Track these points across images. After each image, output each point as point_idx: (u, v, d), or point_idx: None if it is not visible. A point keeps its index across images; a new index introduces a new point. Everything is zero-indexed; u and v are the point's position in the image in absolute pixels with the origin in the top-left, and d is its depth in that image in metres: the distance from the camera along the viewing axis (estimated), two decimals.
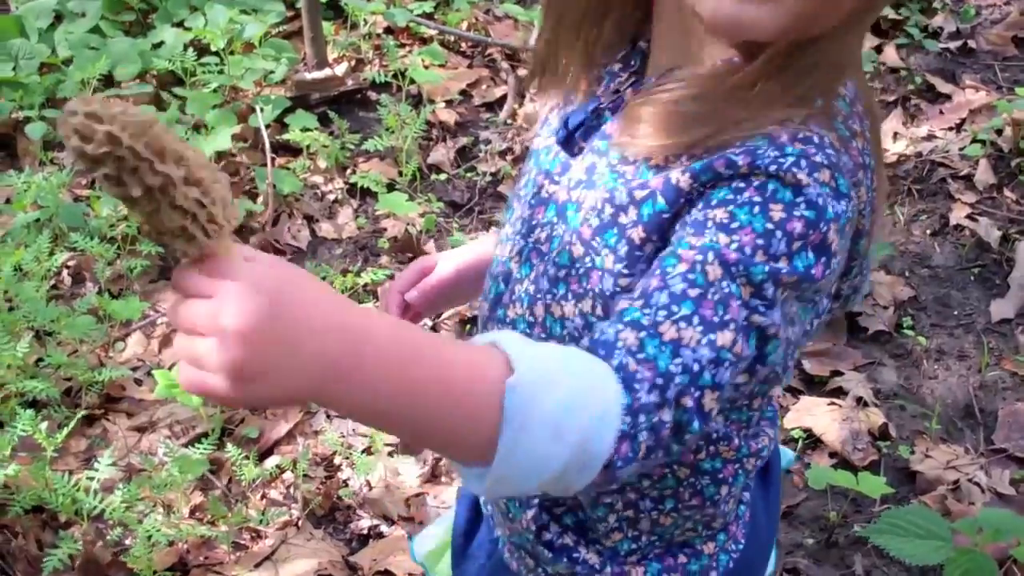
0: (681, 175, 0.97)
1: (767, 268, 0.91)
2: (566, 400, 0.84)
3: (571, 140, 1.13)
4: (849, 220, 0.96)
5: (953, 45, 3.82)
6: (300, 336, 0.79)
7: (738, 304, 0.90)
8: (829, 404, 2.65)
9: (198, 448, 2.37)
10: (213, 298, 0.77)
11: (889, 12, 3.86)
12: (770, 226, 0.92)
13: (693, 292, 0.90)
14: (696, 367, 0.89)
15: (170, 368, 2.41)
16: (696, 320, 0.89)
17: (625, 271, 1.02)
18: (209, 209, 0.77)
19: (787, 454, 1.56)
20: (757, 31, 0.97)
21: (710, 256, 0.91)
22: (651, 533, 1.20)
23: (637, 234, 1.01)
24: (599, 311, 1.06)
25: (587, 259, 1.06)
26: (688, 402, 0.89)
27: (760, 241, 0.91)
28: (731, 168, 0.94)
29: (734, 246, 0.91)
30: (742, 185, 0.94)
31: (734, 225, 0.92)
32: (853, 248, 1.02)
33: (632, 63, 1.14)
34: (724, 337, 0.90)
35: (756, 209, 0.92)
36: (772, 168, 0.93)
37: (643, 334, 0.89)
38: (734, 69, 1.00)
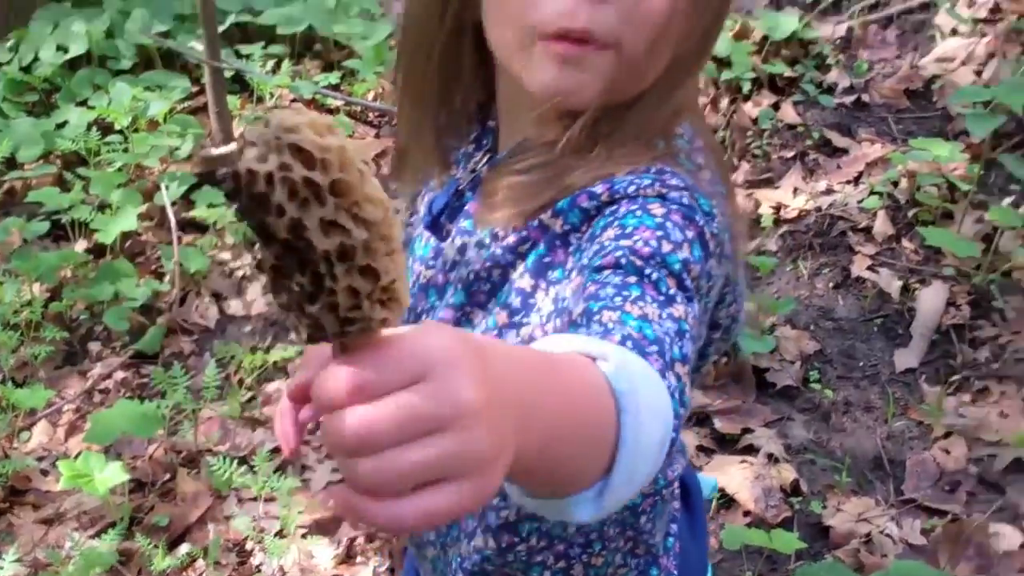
0: (551, 218, 1.03)
1: (679, 256, 0.93)
2: (643, 378, 0.78)
3: (438, 224, 1.17)
4: (717, 234, 1.00)
5: (848, 100, 3.91)
6: (504, 385, 0.64)
7: (668, 286, 0.91)
8: (741, 462, 2.68)
9: (106, 539, 2.33)
10: (427, 381, 0.58)
11: (785, 70, 3.94)
12: (659, 219, 0.96)
13: (632, 278, 0.91)
14: (667, 338, 0.86)
15: (75, 457, 2.37)
16: (649, 298, 0.89)
17: (525, 320, 1.06)
18: (396, 286, 0.58)
19: (708, 482, 1.59)
20: (578, 99, 1.04)
21: (627, 252, 0.93)
22: None
23: (526, 283, 1.06)
24: None
25: (483, 323, 1.10)
26: (679, 370, 0.85)
27: (659, 233, 0.94)
28: (593, 199, 1.01)
29: (640, 242, 0.93)
30: (614, 207, 0.99)
31: (628, 231, 0.95)
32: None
33: (484, 142, 1.19)
34: (677, 309, 0.89)
35: (639, 212, 0.97)
36: (631, 190, 0.99)
37: (617, 312, 0.87)
38: (572, 135, 1.04)
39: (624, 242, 0.94)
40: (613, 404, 0.73)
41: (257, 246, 0.59)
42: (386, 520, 0.59)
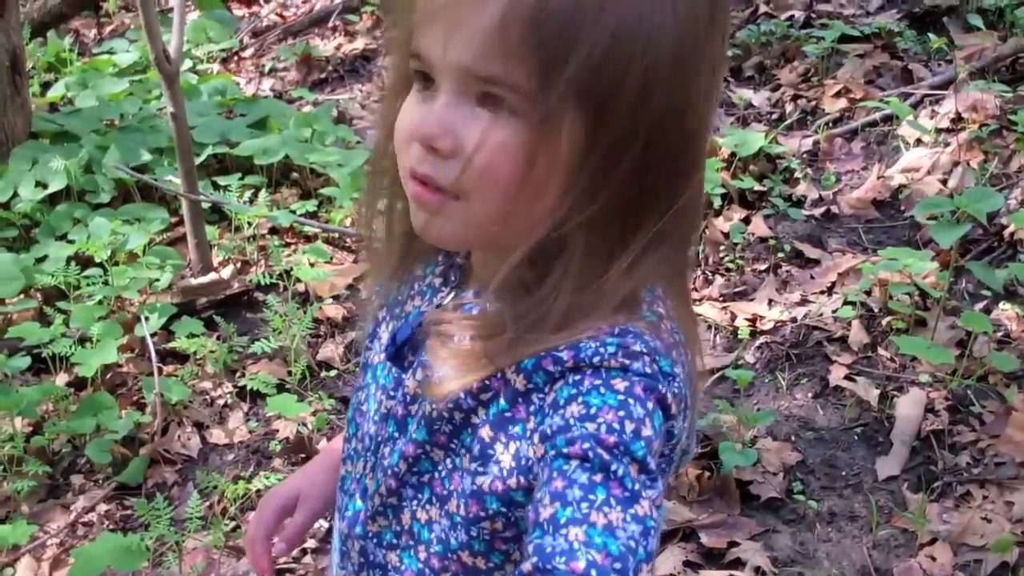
0: (516, 376, 1.04)
1: (642, 442, 0.96)
2: None
3: (400, 353, 1.18)
4: (677, 393, 1.03)
5: (817, 212, 3.99)
6: None
7: (633, 479, 0.94)
8: None
9: None
10: None
11: (754, 184, 4.03)
12: (621, 397, 0.97)
13: (598, 477, 0.94)
14: (632, 543, 0.91)
15: None
16: (613, 501, 0.93)
17: (480, 470, 1.07)
18: None
19: None
20: (449, 244, 1.12)
21: (592, 442, 0.95)
22: None
23: (486, 433, 1.07)
24: (461, 511, 1.10)
25: (448, 461, 1.11)
26: (643, 571, 0.91)
27: (622, 413, 0.97)
28: (558, 364, 1.01)
29: (604, 428, 0.96)
30: (577, 378, 1.00)
31: (592, 411, 0.97)
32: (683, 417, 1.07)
33: (452, 278, 1.21)
34: (641, 507, 0.93)
35: (602, 389, 0.98)
36: (595, 360, 1.00)
37: (584, 526, 0.92)
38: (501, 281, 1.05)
39: (589, 426, 0.96)
40: None
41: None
42: None
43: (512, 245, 1.05)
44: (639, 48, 0.97)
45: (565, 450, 0.97)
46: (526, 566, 0.93)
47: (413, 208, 1.08)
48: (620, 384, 0.99)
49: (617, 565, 0.89)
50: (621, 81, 0.98)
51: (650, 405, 0.99)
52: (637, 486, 0.95)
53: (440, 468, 1.12)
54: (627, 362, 1.00)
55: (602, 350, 1.00)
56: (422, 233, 1.08)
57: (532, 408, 1.04)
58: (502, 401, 1.06)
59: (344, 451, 1.29)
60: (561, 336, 1.02)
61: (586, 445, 0.96)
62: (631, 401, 0.98)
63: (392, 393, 1.19)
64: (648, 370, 1.00)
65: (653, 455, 0.98)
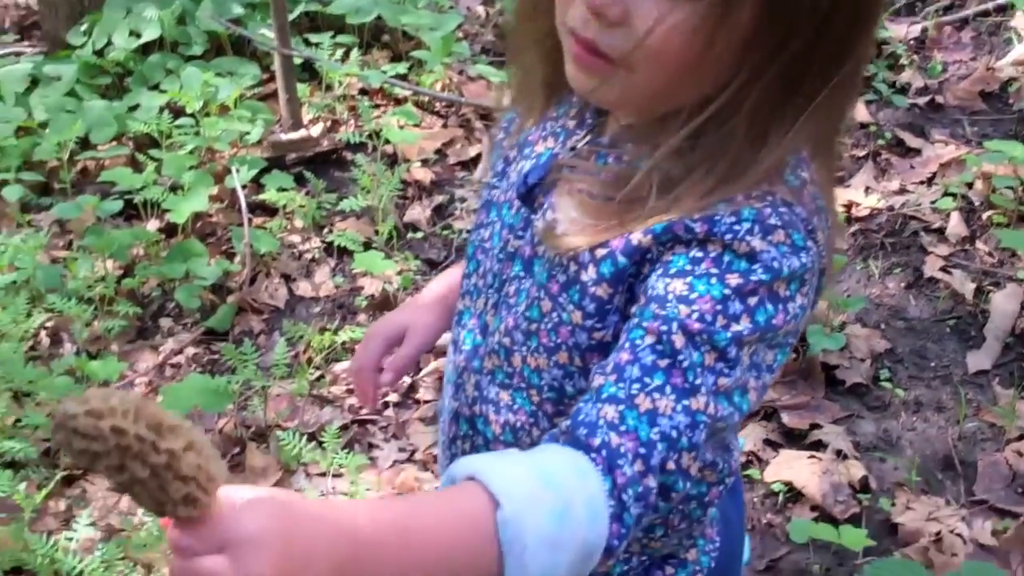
0: (642, 236, 1.02)
1: (729, 334, 0.96)
2: (552, 514, 0.90)
3: (530, 195, 1.16)
4: (809, 268, 1.01)
5: (921, 100, 3.88)
6: (310, 563, 0.82)
7: (704, 371, 0.97)
8: (809, 457, 2.66)
9: None
10: (225, 553, 0.79)
11: None
12: (727, 292, 0.97)
13: (663, 362, 0.96)
14: (674, 433, 0.95)
15: None
16: (668, 389, 0.96)
17: (598, 326, 1.07)
18: (206, 469, 0.78)
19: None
20: (601, 103, 1.10)
21: (674, 327, 0.97)
22: (640, 555, 1.22)
23: (603, 291, 1.06)
24: (577, 362, 1.11)
25: (554, 314, 1.11)
26: (671, 466, 0.96)
27: (719, 307, 0.97)
28: (689, 233, 1.00)
29: (695, 315, 0.96)
30: (699, 255, 0.99)
31: (693, 296, 0.97)
32: (818, 285, 1.07)
33: (588, 121, 1.18)
34: (697, 402, 0.96)
35: (713, 279, 0.98)
36: (728, 237, 0.98)
37: (621, 407, 0.96)
38: (667, 146, 1.03)
39: (682, 308, 0.97)
40: (496, 547, 0.88)
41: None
42: None
43: (672, 107, 1.03)
44: None
45: (645, 324, 0.98)
46: (563, 423, 0.99)
47: (571, 66, 1.05)
48: (734, 280, 0.98)
49: (641, 451, 0.94)
50: None
51: (753, 301, 0.98)
52: (699, 380, 0.96)
53: (546, 320, 1.12)
54: (756, 247, 0.98)
55: (736, 227, 0.99)
56: (580, 92, 1.07)
57: (650, 257, 1.03)
58: (620, 258, 1.04)
59: (463, 286, 1.29)
60: (702, 202, 1.00)
61: (664, 328, 0.97)
62: (736, 299, 0.97)
63: (520, 233, 1.18)
64: (775, 260, 0.98)
65: (741, 346, 0.98)
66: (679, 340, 0.97)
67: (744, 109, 0.99)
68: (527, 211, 1.18)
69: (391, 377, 1.46)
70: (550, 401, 1.15)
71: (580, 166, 1.12)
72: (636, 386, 0.97)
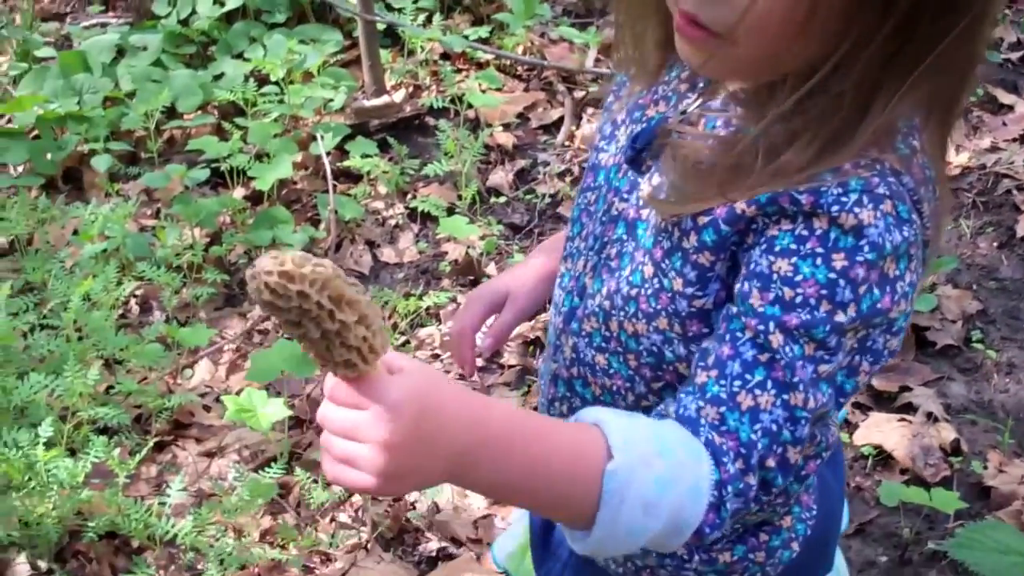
0: (746, 206, 1.01)
1: (829, 324, 0.97)
2: (658, 481, 0.96)
3: (638, 158, 1.15)
4: (913, 242, 1.00)
5: (1014, 56, 3.79)
6: (436, 442, 0.93)
7: (803, 362, 0.98)
8: (899, 420, 2.62)
9: (267, 472, 2.38)
10: (365, 411, 0.90)
11: None
12: (833, 276, 0.97)
13: (763, 357, 0.99)
14: (775, 427, 0.99)
15: (238, 393, 2.43)
16: (769, 384, 0.99)
17: (699, 293, 1.07)
18: (371, 342, 0.88)
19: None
20: (706, 74, 1.10)
21: (771, 326, 0.98)
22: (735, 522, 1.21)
23: (704, 259, 1.05)
24: (676, 329, 1.10)
25: (656, 280, 1.10)
26: (771, 463, 1.00)
27: (824, 292, 0.97)
28: (795, 205, 0.98)
29: (798, 302, 0.97)
30: (805, 233, 0.98)
31: (798, 278, 0.98)
32: (923, 256, 1.05)
33: (700, 84, 1.16)
34: (796, 397, 0.99)
35: (819, 260, 0.97)
36: (835, 209, 0.97)
37: (723, 408, 1.00)
38: (776, 113, 1.01)
39: (786, 291, 0.98)
40: (597, 492, 0.95)
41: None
42: (325, 470, 0.95)
43: (781, 74, 1.02)
44: None
45: (744, 319, 1.00)
46: (671, 407, 1.03)
47: (678, 38, 1.04)
48: (839, 261, 0.97)
49: (743, 451, 0.99)
50: None
51: (862, 288, 0.97)
52: (797, 376, 0.98)
53: (647, 286, 1.11)
54: (864, 219, 0.96)
55: (844, 198, 0.97)
56: (689, 64, 1.07)
57: (755, 227, 1.02)
58: (723, 226, 1.03)
59: (566, 249, 1.28)
60: (808, 170, 0.98)
61: (762, 327, 0.98)
62: (842, 282, 0.97)
63: (626, 196, 1.17)
64: (880, 236, 0.97)
65: (842, 334, 0.98)
66: (776, 339, 0.98)
67: (851, 74, 0.97)
68: (634, 174, 1.17)
69: (491, 343, 1.46)
70: (648, 366, 1.15)
71: (687, 131, 1.10)
72: (737, 383, 1.00)
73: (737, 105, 1.08)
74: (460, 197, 3.37)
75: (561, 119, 3.75)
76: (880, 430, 2.60)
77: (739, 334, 1.00)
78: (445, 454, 0.94)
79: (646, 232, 1.12)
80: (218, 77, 3.82)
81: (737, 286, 1.02)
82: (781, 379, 0.98)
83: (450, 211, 3.31)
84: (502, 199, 3.42)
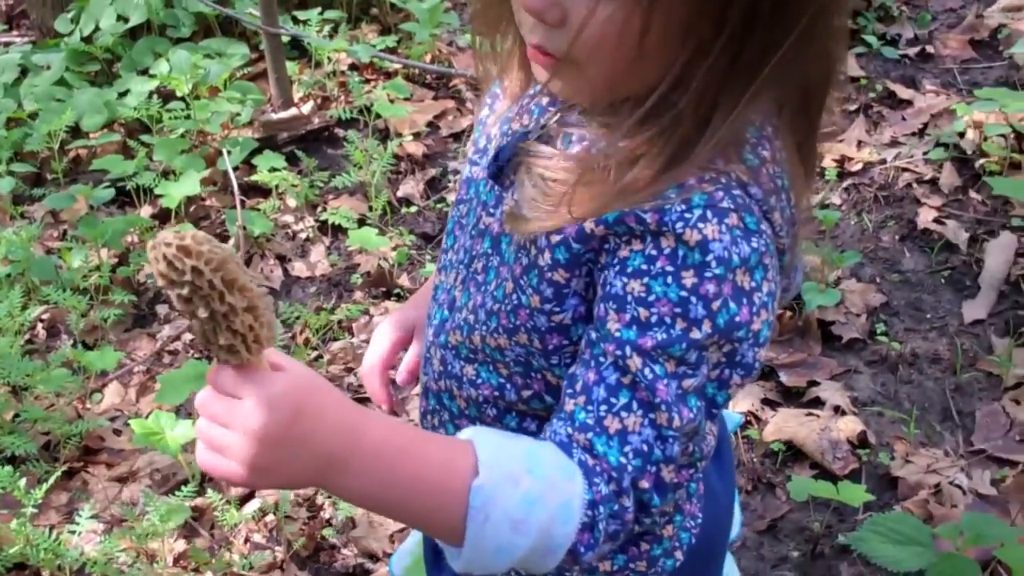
0: (595, 225, 1.02)
1: (685, 343, 0.99)
2: (525, 498, 0.97)
3: (501, 173, 1.16)
4: (765, 251, 1.01)
5: (912, 51, 3.86)
6: (307, 443, 0.94)
7: (665, 382, 1.00)
8: (807, 415, 2.66)
9: (179, 496, 2.36)
10: (242, 400, 0.92)
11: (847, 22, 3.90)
12: (684, 293, 0.98)
13: (626, 380, 1.00)
14: (645, 447, 1.00)
15: (147, 417, 2.41)
16: (635, 405, 1.00)
17: (556, 309, 1.09)
18: (257, 332, 0.90)
19: (733, 417, 1.61)
20: (561, 94, 1.10)
21: (628, 350, 0.99)
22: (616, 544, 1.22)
23: (559, 276, 1.07)
24: (536, 344, 1.12)
25: (515, 296, 1.11)
26: (645, 484, 1.01)
27: (678, 310, 0.99)
28: (641, 224, 1.00)
29: (653, 322, 0.99)
30: (654, 252, 0.99)
31: (651, 298, 0.99)
32: (779, 264, 1.07)
33: (559, 98, 1.17)
34: (661, 416, 1.00)
35: (669, 279, 0.99)
36: (679, 226, 0.98)
37: (590, 434, 1.01)
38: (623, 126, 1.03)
39: (642, 312, 0.99)
40: (464, 508, 0.96)
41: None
42: (197, 456, 0.96)
43: (631, 92, 1.03)
44: None
45: (603, 345, 1.01)
46: (546, 433, 1.05)
47: (531, 63, 1.07)
48: (689, 279, 0.98)
49: (614, 474, 1.00)
50: None
51: (716, 304, 0.99)
52: (659, 396, 0.99)
53: (507, 302, 1.12)
54: (708, 234, 0.98)
55: (688, 214, 0.98)
56: (542, 85, 1.09)
57: (607, 247, 1.04)
58: (574, 244, 1.05)
59: (441, 261, 1.30)
60: (652, 186, 1.00)
61: (619, 352, 1.00)
62: (693, 299, 0.98)
63: (492, 210, 1.18)
64: (726, 250, 0.98)
65: (701, 349, 1.00)
66: (635, 362, 0.99)
67: (690, 89, 0.98)
68: (499, 189, 1.18)
69: (406, 376, 1.46)
70: (518, 374, 1.16)
71: (537, 150, 1.11)
72: (604, 407, 1.01)
73: (592, 121, 1.09)
74: (371, 208, 3.37)
75: (470, 127, 3.76)
76: (788, 425, 2.63)
77: (601, 359, 1.01)
78: (315, 456, 0.95)
79: (509, 247, 1.14)
80: (123, 94, 3.78)
81: (595, 309, 1.04)
82: (645, 400, 0.99)
83: (361, 222, 3.31)
84: (413, 208, 3.42)
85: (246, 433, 0.91)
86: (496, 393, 1.19)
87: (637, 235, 1.00)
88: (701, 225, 0.98)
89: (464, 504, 0.96)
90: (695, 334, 0.99)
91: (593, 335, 1.03)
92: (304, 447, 0.94)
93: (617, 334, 1.00)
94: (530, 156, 1.11)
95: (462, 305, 1.21)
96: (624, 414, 1.00)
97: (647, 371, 0.99)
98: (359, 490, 0.99)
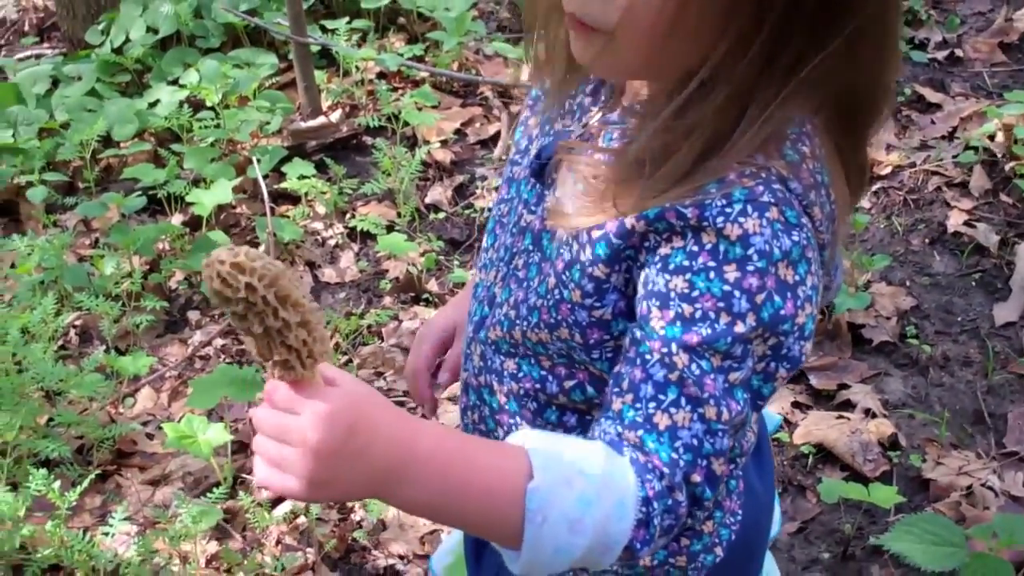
0: (636, 221, 1.03)
1: (730, 337, 0.99)
2: (580, 499, 0.98)
3: (543, 171, 1.18)
4: (807, 245, 1.02)
5: (940, 55, 3.85)
6: (364, 455, 0.96)
7: (712, 377, 1.00)
8: (838, 417, 2.66)
9: (211, 498, 2.38)
10: (299, 415, 0.93)
11: None
12: (727, 288, 0.99)
13: (673, 376, 1.00)
14: (695, 442, 1.01)
15: (179, 420, 2.42)
16: (683, 401, 1.00)
17: (597, 304, 1.09)
18: (311, 347, 0.91)
19: (773, 418, 1.61)
20: (596, 71, 1.12)
21: (673, 347, 1.00)
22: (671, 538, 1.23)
23: (600, 271, 1.07)
24: (578, 338, 1.12)
25: (557, 291, 1.12)
26: (697, 477, 1.02)
27: (722, 304, 0.99)
28: (681, 220, 1.00)
29: (698, 317, 0.99)
30: (695, 248, 1.00)
31: (695, 294, 1.00)
32: (820, 258, 1.07)
33: (602, 97, 1.19)
34: (710, 411, 1.01)
35: (712, 275, 0.99)
36: (720, 221, 0.99)
37: (640, 432, 1.02)
38: (662, 116, 1.04)
39: (685, 308, 1.00)
40: (521, 511, 0.97)
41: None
42: (254, 472, 0.98)
43: (666, 76, 1.04)
44: None
45: (649, 342, 1.01)
46: (595, 432, 1.05)
47: (570, 37, 1.08)
48: (732, 272, 0.99)
49: (665, 470, 1.01)
50: None
51: (760, 297, 0.99)
52: (706, 391, 1.00)
53: (549, 297, 1.13)
54: (749, 229, 0.98)
55: (728, 208, 0.99)
56: (578, 59, 1.09)
57: (647, 244, 1.04)
58: (614, 239, 1.05)
59: (481, 259, 1.31)
60: (692, 180, 1.00)
61: (665, 349, 1.00)
62: (737, 293, 0.99)
63: (533, 208, 1.20)
64: (767, 243, 0.99)
65: (747, 342, 1.00)
66: (681, 359, 1.00)
67: (728, 80, 0.99)
68: (540, 187, 1.19)
69: (448, 377, 1.48)
70: (562, 364, 1.17)
71: (578, 146, 1.13)
72: (652, 404, 1.02)
73: (632, 118, 1.10)
74: (399, 214, 3.38)
75: (498, 134, 3.77)
76: (819, 428, 2.63)
77: (647, 356, 1.02)
78: (371, 470, 0.96)
79: (551, 243, 1.15)
80: (153, 104, 3.81)
81: (638, 307, 1.04)
82: (693, 395, 1.00)
83: (389, 229, 3.33)
84: (441, 215, 3.44)
85: (303, 448, 0.93)
86: (538, 386, 1.20)
87: (678, 231, 1.01)
88: (742, 219, 0.98)
89: (521, 507, 0.97)
90: (739, 328, 0.99)
91: (637, 333, 1.04)
92: (360, 461, 0.95)
93: (662, 331, 1.01)
94: (571, 154, 1.12)
95: (502, 301, 1.22)
96: (673, 410, 1.01)
97: (694, 367, 1.00)
98: (415, 499, 1.00)
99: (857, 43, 1.01)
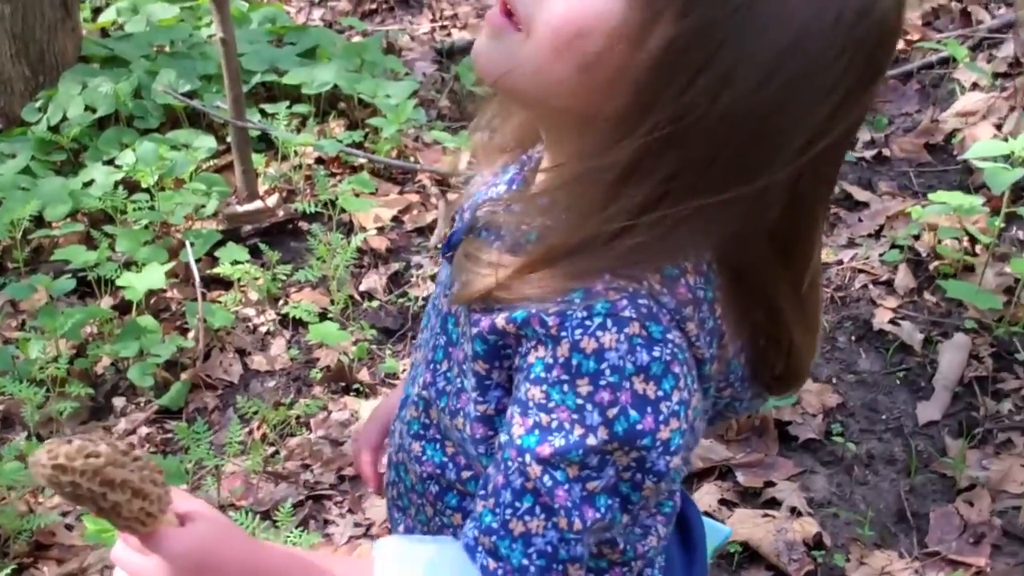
0: (505, 322, 1.03)
1: (582, 449, 0.99)
2: None
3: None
4: (670, 360, 1.00)
5: (869, 154, 3.93)
6: None
7: (566, 487, 1.01)
8: (764, 515, 2.67)
9: None
10: (149, 559, 1.03)
11: None
12: (580, 401, 0.99)
13: (529, 485, 1.02)
14: (550, 548, 1.03)
15: None
16: (538, 510, 1.02)
17: (480, 399, 1.10)
18: (148, 510, 1.00)
19: (722, 530, 1.59)
20: (483, 71, 1.07)
21: (527, 458, 1.01)
22: None
23: (480, 367, 1.08)
24: (467, 430, 1.13)
25: (459, 380, 1.14)
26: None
27: (576, 416, 0.99)
28: (543, 327, 1.01)
29: (554, 427, 1.00)
30: (551, 361, 1.00)
31: (551, 404, 1.00)
32: (700, 373, 1.05)
33: (521, 174, 1.22)
34: (562, 521, 1.02)
35: (566, 387, 1.00)
36: (577, 334, 0.99)
37: (494, 537, 1.04)
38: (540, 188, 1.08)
39: (543, 417, 1.01)
40: None
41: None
42: None
43: (560, 128, 1.06)
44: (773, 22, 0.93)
45: (508, 450, 1.03)
46: (461, 532, 1.08)
47: (483, 36, 1.05)
48: (584, 387, 0.99)
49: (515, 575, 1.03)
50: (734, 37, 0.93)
51: (611, 414, 0.98)
52: (558, 503, 1.01)
53: (453, 384, 1.15)
54: (605, 343, 0.98)
55: (587, 322, 0.99)
56: (474, 56, 1.07)
57: (520, 349, 1.04)
58: (488, 336, 1.06)
59: (417, 341, 1.33)
60: (560, 283, 1.00)
61: (520, 459, 1.01)
62: (589, 407, 0.99)
63: (447, 291, 1.20)
64: (622, 359, 0.98)
65: (602, 454, 1.00)
66: (534, 470, 1.01)
67: (610, 181, 0.99)
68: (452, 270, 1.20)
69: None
70: (461, 453, 1.19)
71: (478, 227, 1.14)
72: (509, 511, 1.03)
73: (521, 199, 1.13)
74: (332, 302, 3.38)
75: (435, 222, 3.79)
76: (744, 526, 2.64)
77: (508, 463, 1.03)
78: None
79: (455, 328, 1.16)
80: (88, 184, 3.79)
81: (508, 410, 1.05)
82: (546, 504, 1.01)
83: (322, 316, 3.32)
84: (375, 303, 3.43)
85: None
86: (438, 471, 1.21)
87: (541, 340, 1.01)
88: (599, 333, 0.98)
89: None
90: (592, 440, 0.99)
91: (503, 438, 1.05)
92: None
93: (519, 441, 1.02)
94: (468, 237, 1.13)
95: (421, 381, 1.23)
96: (528, 518, 1.03)
97: (546, 478, 1.01)
98: None
99: (769, 196, 1.00)
